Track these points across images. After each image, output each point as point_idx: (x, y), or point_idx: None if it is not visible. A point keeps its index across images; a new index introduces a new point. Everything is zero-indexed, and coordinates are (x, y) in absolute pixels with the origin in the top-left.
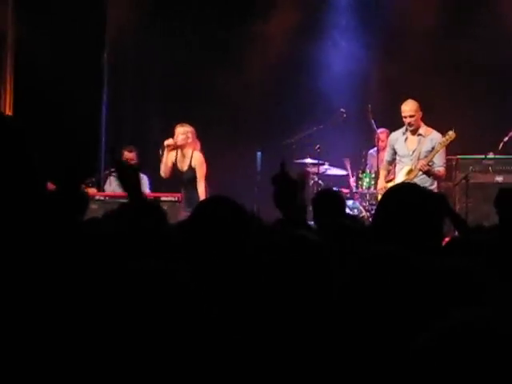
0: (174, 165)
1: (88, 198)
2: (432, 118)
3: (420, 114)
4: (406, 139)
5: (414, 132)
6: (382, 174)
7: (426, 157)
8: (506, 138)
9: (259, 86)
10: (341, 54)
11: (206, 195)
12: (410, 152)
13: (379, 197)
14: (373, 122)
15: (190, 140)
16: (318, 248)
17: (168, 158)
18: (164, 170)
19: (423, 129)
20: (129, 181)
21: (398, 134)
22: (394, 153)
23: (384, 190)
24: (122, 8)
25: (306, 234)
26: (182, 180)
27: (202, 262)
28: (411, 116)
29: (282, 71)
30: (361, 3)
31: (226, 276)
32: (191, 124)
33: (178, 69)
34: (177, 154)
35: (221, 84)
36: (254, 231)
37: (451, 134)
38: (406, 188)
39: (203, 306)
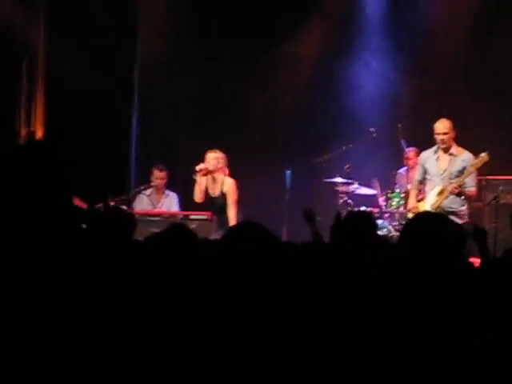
0: (206, 190)
1: (135, 221)
2: (462, 138)
3: (453, 133)
4: (438, 158)
5: (446, 151)
6: (413, 193)
7: (456, 177)
8: None
9: (290, 106)
10: (372, 75)
11: (236, 220)
12: (441, 171)
13: (409, 216)
14: (403, 141)
15: (220, 165)
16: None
17: (201, 183)
18: (197, 194)
19: (455, 148)
20: None
21: (428, 153)
22: (424, 172)
23: (415, 210)
24: (153, 27)
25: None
26: (214, 205)
27: (229, 283)
28: (444, 133)
29: (313, 91)
30: (392, 25)
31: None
32: (221, 148)
33: (208, 88)
34: (208, 180)
35: (251, 104)
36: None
37: (484, 156)
38: (432, 219)
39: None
